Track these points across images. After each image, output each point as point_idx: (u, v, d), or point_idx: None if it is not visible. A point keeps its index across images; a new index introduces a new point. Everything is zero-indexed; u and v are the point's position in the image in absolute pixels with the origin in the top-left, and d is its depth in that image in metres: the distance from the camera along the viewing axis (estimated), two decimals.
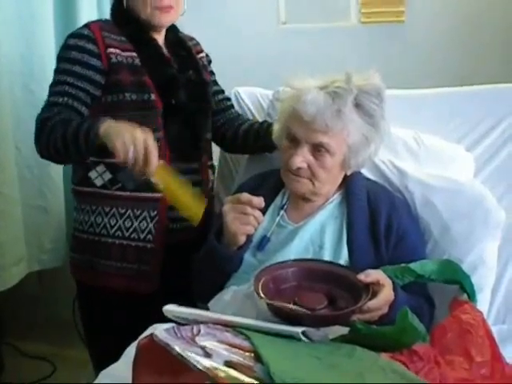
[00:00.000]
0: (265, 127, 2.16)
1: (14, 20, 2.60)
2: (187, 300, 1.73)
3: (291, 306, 1.54)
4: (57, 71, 2.02)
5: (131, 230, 2.04)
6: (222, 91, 2.36)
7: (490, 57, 2.84)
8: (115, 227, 2.05)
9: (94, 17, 2.96)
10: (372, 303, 1.55)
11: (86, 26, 2.05)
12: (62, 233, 2.88)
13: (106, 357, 1.61)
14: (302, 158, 1.80)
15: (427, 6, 2.88)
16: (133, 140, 1.67)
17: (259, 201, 1.74)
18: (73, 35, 2.04)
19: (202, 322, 1.49)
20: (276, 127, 1.97)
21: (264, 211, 1.89)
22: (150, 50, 2.09)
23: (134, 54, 2.05)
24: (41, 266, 2.81)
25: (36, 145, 1.94)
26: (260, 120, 2.33)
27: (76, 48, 2.00)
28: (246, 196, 1.75)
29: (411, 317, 1.52)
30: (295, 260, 1.74)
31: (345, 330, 1.53)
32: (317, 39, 2.97)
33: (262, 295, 1.55)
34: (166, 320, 1.61)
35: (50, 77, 2.68)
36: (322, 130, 1.77)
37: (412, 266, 1.73)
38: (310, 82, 1.85)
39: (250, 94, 2.48)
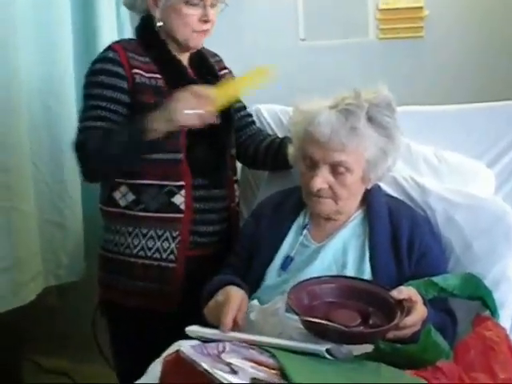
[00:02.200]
0: (286, 142, 2.15)
1: (34, 38, 2.63)
2: None
3: (327, 322, 1.52)
4: (87, 96, 2.05)
5: (153, 249, 2.06)
6: (245, 107, 2.38)
7: (510, 74, 2.83)
8: (138, 247, 2.07)
9: (113, 35, 2.99)
10: (408, 320, 1.54)
11: (110, 48, 2.08)
12: (79, 248, 2.89)
13: (129, 374, 1.63)
14: (321, 179, 1.80)
15: (446, 22, 2.86)
16: (183, 107, 1.84)
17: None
18: (99, 60, 2.07)
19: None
20: (291, 150, 1.98)
21: (286, 230, 1.94)
22: (176, 71, 2.12)
23: (158, 75, 2.07)
24: (57, 281, 2.82)
25: (84, 167, 2.01)
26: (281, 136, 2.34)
27: (104, 72, 2.03)
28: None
29: (434, 334, 1.53)
30: (330, 276, 1.74)
31: (369, 348, 1.52)
32: (335, 55, 2.96)
33: (297, 310, 1.54)
34: (187, 337, 1.62)
35: (68, 94, 2.76)
36: (339, 149, 1.77)
37: (435, 279, 1.73)
38: (320, 103, 1.86)
39: (270, 111, 2.48)
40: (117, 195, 2.09)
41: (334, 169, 1.80)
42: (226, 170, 2.18)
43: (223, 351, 1.36)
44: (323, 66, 2.97)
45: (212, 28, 2.12)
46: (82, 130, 2.00)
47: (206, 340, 1.58)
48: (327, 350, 1.46)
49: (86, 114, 2.03)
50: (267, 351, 1.42)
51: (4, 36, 2.42)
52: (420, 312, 1.57)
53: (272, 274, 1.88)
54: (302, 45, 3.02)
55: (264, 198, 2.16)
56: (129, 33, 3.02)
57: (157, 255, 2.06)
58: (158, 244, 2.06)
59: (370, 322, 1.57)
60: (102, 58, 2.07)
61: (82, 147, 1.97)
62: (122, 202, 2.08)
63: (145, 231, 2.06)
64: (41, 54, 2.67)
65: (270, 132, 2.42)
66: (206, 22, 2.07)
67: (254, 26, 3.00)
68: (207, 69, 2.24)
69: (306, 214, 1.97)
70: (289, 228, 1.95)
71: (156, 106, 1.96)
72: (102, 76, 2.02)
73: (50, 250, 2.74)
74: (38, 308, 2.68)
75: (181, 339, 1.63)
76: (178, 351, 1.32)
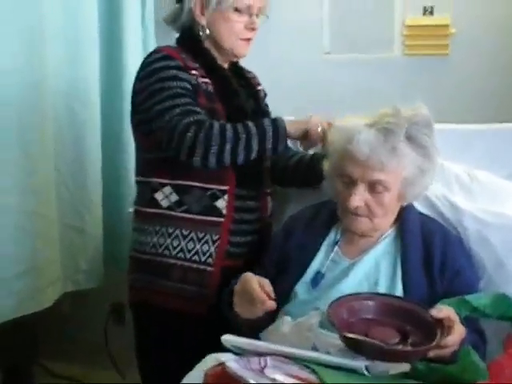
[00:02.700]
0: (316, 159, 2.15)
1: (60, 41, 2.64)
2: None
3: (369, 339, 1.52)
4: (161, 90, 2.00)
5: (193, 252, 2.06)
6: None
7: None
8: (177, 248, 2.06)
9: (138, 36, 3.02)
10: (449, 339, 1.53)
11: (159, 50, 2.09)
12: (98, 254, 2.89)
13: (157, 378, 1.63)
14: (359, 197, 1.79)
15: (472, 41, 2.88)
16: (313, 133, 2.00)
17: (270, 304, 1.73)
18: (155, 60, 2.04)
19: (261, 353, 1.49)
20: (327, 167, 1.97)
21: (318, 246, 1.94)
22: (222, 79, 2.13)
23: (208, 80, 2.09)
24: (76, 287, 2.81)
25: (202, 150, 1.92)
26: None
27: (170, 67, 2.02)
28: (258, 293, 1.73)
29: (473, 354, 1.52)
30: (369, 293, 1.74)
31: (406, 367, 1.52)
32: (360, 70, 2.98)
33: (337, 326, 1.54)
34: (218, 344, 1.63)
35: (93, 98, 2.75)
36: (378, 168, 1.77)
37: (468, 298, 1.72)
38: (359, 121, 1.85)
39: None
40: (159, 196, 2.09)
41: (372, 187, 1.79)
42: (262, 182, 2.20)
43: (265, 366, 1.36)
44: (347, 79, 3.00)
45: (254, 37, 2.15)
46: (178, 116, 1.95)
47: (240, 351, 1.61)
48: (366, 367, 1.45)
49: (171, 103, 1.97)
50: (307, 367, 1.42)
51: (32, 40, 2.43)
52: (459, 331, 1.57)
53: (302, 290, 1.88)
54: (326, 58, 3.03)
55: (294, 211, 2.16)
56: (153, 45, 3.07)
57: (196, 257, 2.06)
58: (198, 246, 2.06)
59: (409, 340, 1.56)
60: (160, 58, 2.05)
61: (192, 127, 1.92)
62: (165, 203, 2.09)
63: (185, 233, 2.06)
64: (68, 58, 2.67)
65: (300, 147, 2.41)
66: (252, 29, 2.11)
67: (280, 39, 3.01)
68: (245, 81, 2.27)
69: (338, 230, 1.96)
70: (320, 243, 1.95)
71: (209, 111, 2.01)
72: (172, 70, 2.01)
73: (70, 256, 2.73)
74: (52, 313, 2.65)
75: (211, 345, 1.64)
76: (222, 365, 1.30)
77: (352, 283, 1.82)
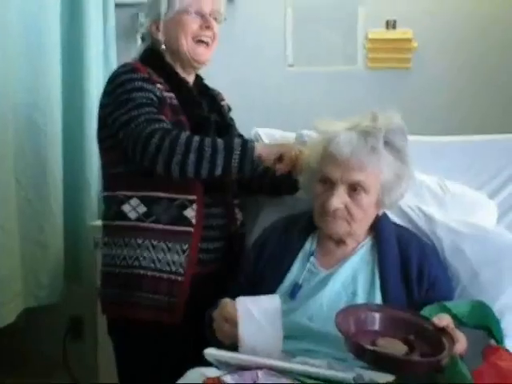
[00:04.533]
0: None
1: (22, 52, 2.60)
2: None
3: (387, 351, 1.52)
4: (126, 101, 2.01)
5: (163, 262, 2.05)
6: (241, 135, 2.37)
7: (495, 107, 2.91)
8: (147, 259, 2.05)
9: (99, 49, 3.00)
10: (459, 347, 1.55)
11: (126, 64, 2.11)
12: (59, 268, 2.84)
13: None
14: (339, 199, 1.80)
15: (434, 54, 2.93)
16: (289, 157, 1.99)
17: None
18: (122, 73, 2.07)
19: (245, 367, 1.47)
20: (303, 176, 1.98)
21: (293, 257, 1.93)
22: (186, 92, 2.16)
23: (172, 94, 2.10)
24: (37, 302, 2.76)
25: (165, 158, 1.92)
26: None
27: (136, 79, 2.03)
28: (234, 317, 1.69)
29: (461, 363, 1.52)
30: (375, 305, 1.75)
31: (391, 377, 1.51)
32: (324, 82, 3.00)
33: (347, 336, 1.54)
34: (197, 353, 1.63)
35: (54, 109, 2.71)
36: (358, 169, 1.79)
37: (448, 304, 1.73)
38: (337, 125, 1.88)
39: (270, 136, 2.47)
40: (126, 208, 2.08)
41: (351, 189, 1.81)
42: (229, 190, 2.20)
43: (257, 380, 1.33)
44: (312, 92, 3.02)
45: (214, 42, 2.19)
46: (149, 122, 1.96)
47: (222, 364, 1.59)
48: (354, 378, 1.45)
49: (137, 112, 1.98)
50: (298, 380, 1.40)
51: None
52: (463, 337, 1.59)
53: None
54: (290, 70, 3.04)
55: (267, 223, 2.14)
56: (115, 57, 3.13)
57: (166, 268, 2.05)
58: (168, 257, 2.05)
59: (417, 351, 1.56)
60: (126, 71, 2.07)
61: (165, 135, 1.92)
62: (132, 215, 2.07)
63: (155, 243, 2.05)
64: (29, 69, 2.64)
65: None
66: (207, 28, 2.14)
67: (244, 52, 3.02)
68: (210, 97, 2.30)
69: (313, 240, 1.96)
70: (295, 254, 1.94)
71: (175, 124, 2.01)
72: (137, 82, 2.02)
73: (31, 270, 2.68)
74: (7, 327, 2.55)
75: (187, 354, 1.68)
76: (214, 380, 1.28)
77: (330, 293, 1.81)
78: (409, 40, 2.92)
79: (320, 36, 3.01)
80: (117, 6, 3.14)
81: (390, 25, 2.94)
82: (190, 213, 2.05)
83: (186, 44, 2.13)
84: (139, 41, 2.90)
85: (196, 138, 1.93)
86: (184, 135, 1.93)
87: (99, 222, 2.68)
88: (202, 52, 2.16)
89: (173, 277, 2.05)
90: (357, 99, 2.91)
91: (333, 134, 1.83)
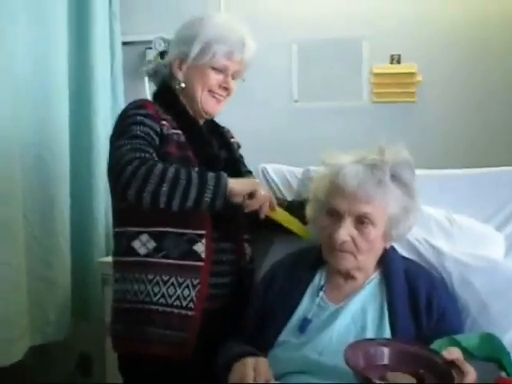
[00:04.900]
0: (295, 204, 2.21)
1: (30, 91, 2.63)
2: None
3: None
4: (124, 132, 2.02)
5: (174, 297, 2.03)
6: (251, 172, 2.40)
7: (500, 140, 2.92)
8: (158, 294, 2.03)
9: (107, 86, 3.06)
10: (468, 380, 1.54)
11: (136, 101, 2.12)
12: (67, 304, 2.83)
13: None
14: (346, 231, 1.81)
15: (439, 88, 2.97)
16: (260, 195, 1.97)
17: None
18: (130, 108, 2.08)
19: None
20: (310, 207, 1.99)
21: (302, 291, 1.94)
22: (196, 131, 2.17)
23: (180, 131, 2.11)
24: (44, 340, 2.74)
25: (138, 185, 1.89)
26: (288, 198, 2.41)
27: (140, 115, 2.04)
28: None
29: None
30: (384, 339, 1.74)
31: None
32: (329, 117, 3.03)
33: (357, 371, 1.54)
34: None
35: (62, 146, 2.73)
36: (365, 201, 1.80)
37: (457, 337, 1.72)
38: (344, 158, 1.89)
39: (276, 171, 2.50)
40: (136, 244, 2.07)
41: (359, 221, 1.82)
42: (238, 225, 2.18)
43: None
44: (317, 127, 3.05)
45: (228, 99, 2.22)
46: (132, 150, 1.96)
47: None
48: None
49: (126, 142, 1.99)
50: None
51: (1, 86, 2.42)
52: (473, 370, 1.57)
53: (288, 336, 1.86)
54: (295, 106, 3.07)
55: (276, 258, 2.15)
56: (122, 94, 3.19)
57: (177, 303, 2.03)
58: (179, 292, 2.03)
59: None
60: (133, 107, 2.08)
61: (134, 163, 1.90)
62: (142, 251, 2.06)
63: (165, 278, 2.03)
64: (37, 107, 2.66)
65: (278, 193, 2.46)
66: (225, 88, 2.18)
67: (250, 87, 3.03)
68: (220, 135, 2.32)
69: (322, 275, 1.96)
70: (304, 289, 1.94)
71: (179, 158, 2.02)
72: (139, 117, 2.03)
73: (38, 307, 2.67)
74: (13, 366, 2.52)
75: None
76: None
77: (339, 328, 1.81)
78: (413, 74, 2.94)
79: (325, 71, 3.05)
80: (124, 44, 3.20)
81: (395, 59, 2.97)
82: (200, 247, 2.04)
83: (201, 95, 2.16)
84: (146, 78, 2.97)
85: (171, 170, 1.91)
86: (160, 166, 1.91)
87: (107, 259, 2.72)
88: (213, 105, 2.19)
89: (183, 312, 2.03)
90: (362, 133, 2.93)
91: (339, 167, 1.85)
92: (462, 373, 1.54)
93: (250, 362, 1.71)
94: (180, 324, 2.03)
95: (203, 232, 2.05)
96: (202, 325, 2.05)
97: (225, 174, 1.95)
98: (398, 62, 2.97)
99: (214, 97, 2.18)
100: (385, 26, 3.01)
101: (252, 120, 3.02)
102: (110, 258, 2.63)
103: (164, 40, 3.10)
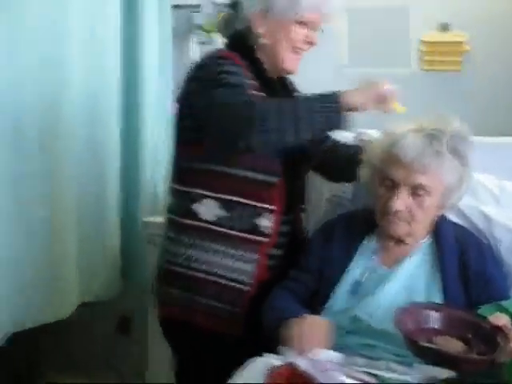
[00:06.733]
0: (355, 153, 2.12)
1: (81, 94, 2.66)
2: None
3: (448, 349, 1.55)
4: (219, 80, 1.88)
5: (230, 269, 1.97)
6: None
7: None
8: (214, 264, 1.97)
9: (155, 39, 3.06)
10: None
11: (214, 52, 2.03)
12: (116, 264, 2.88)
13: None
14: (401, 201, 1.81)
15: (484, 56, 2.97)
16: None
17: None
18: (215, 58, 1.97)
19: None
20: (365, 173, 1.98)
21: (354, 254, 1.96)
22: (273, 93, 2.03)
23: (255, 82, 1.99)
24: (94, 298, 2.78)
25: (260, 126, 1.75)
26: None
27: (223, 64, 1.92)
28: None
29: None
30: (434, 303, 1.77)
31: (452, 373, 1.54)
32: None
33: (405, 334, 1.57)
34: None
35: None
36: (421, 171, 1.80)
37: (504, 304, 1.74)
38: (403, 127, 1.89)
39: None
40: (199, 208, 1.97)
41: (414, 191, 1.82)
42: (303, 198, 2.18)
43: (327, 369, 1.36)
44: None
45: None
46: (240, 104, 1.81)
47: None
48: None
49: (232, 94, 1.84)
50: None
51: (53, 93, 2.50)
52: None
53: (339, 297, 1.89)
54: (343, 72, 3.09)
55: (328, 218, 2.17)
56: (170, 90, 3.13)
57: (233, 275, 1.98)
58: (236, 265, 1.98)
59: (474, 349, 1.59)
60: (213, 57, 1.99)
61: (252, 109, 1.78)
62: (205, 216, 1.97)
63: (223, 249, 1.97)
64: (88, 74, 2.70)
65: None
66: (309, 43, 2.04)
67: None
68: (285, 87, 2.18)
69: (374, 238, 1.98)
70: (356, 251, 1.96)
71: None
72: (225, 66, 1.91)
73: (88, 265, 2.70)
74: (56, 323, 2.57)
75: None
76: (287, 366, 1.31)
77: (389, 291, 1.84)
78: (460, 43, 2.95)
79: (375, 38, 3.08)
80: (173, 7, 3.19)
81: (444, 28, 2.97)
82: (266, 223, 1.98)
83: (285, 52, 2.01)
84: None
85: (286, 103, 1.84)
86: (276, 100, 1.87)
87: (153, 219, 2.76)
88: (295, 64, 2.06)
89: (238, 285, 1.98)
90: (411, 101, 2.93)
91: (399, 136, 1.84)
92: (508, 339, 1.56)
93: (310, 320, 1.74)
94: (232, 298, 1.98)
95: (274, 207, 1.99)
96: (254, 300, 1.98)
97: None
98: (448, 29, 2.97)
99: (296, 52, 2.03)
100: None
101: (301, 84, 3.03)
102: (156, 218, 2.69)
103: (214, 4, 3.07)
